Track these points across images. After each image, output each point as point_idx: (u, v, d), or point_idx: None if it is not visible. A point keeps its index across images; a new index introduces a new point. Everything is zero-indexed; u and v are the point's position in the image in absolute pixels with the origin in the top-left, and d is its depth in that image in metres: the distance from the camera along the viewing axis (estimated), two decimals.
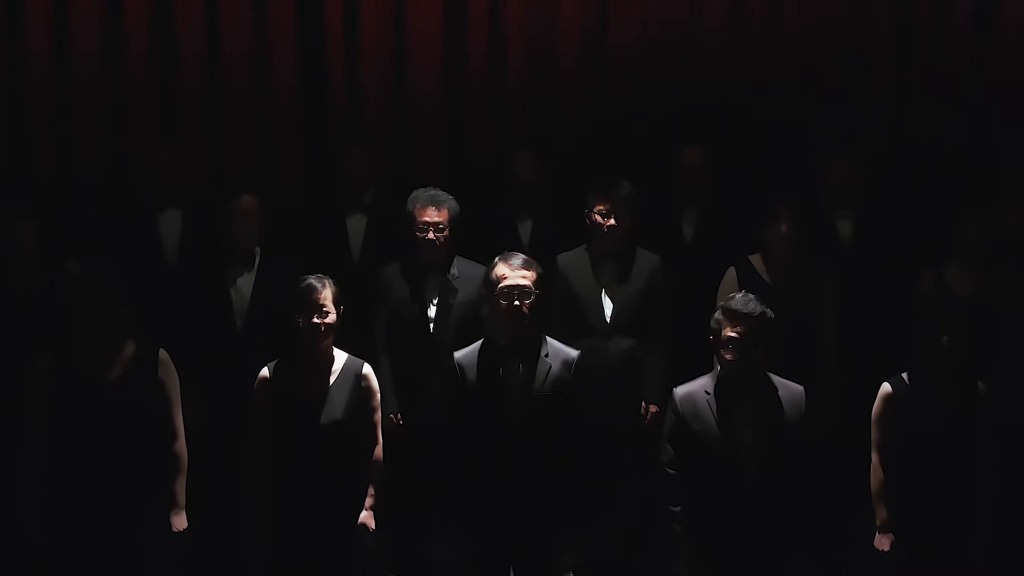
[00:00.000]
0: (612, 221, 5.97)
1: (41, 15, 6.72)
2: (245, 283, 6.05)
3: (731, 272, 5.94)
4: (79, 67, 6.77)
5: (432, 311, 5.99)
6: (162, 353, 4.99)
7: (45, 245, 5.83)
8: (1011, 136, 6.80)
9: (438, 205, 5.94)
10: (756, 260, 5.99)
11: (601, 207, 5.98)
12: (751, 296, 4.95)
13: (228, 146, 6.88)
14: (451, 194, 6.03)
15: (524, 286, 4.95)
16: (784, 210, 5.90)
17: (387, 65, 6.97)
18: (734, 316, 4.80)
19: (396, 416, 5.92)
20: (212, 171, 6.67)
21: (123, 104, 6.83)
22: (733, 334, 4.79)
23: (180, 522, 4.97)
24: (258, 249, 6.10)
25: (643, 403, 5.95)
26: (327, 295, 4.98)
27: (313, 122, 6.98)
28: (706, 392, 4.88)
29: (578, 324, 5.97)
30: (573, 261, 6.10)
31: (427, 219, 5.92)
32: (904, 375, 5.08)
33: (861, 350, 5.77)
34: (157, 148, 6.40)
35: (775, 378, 4.91)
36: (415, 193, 6.01)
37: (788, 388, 4.90)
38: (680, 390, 4.95)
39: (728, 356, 4.82)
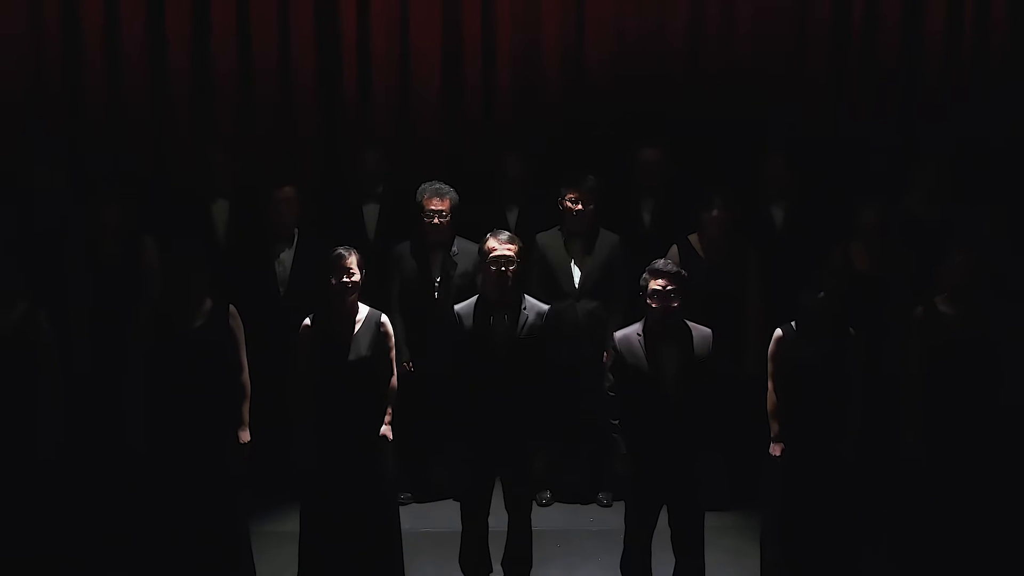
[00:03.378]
0: (580, 207, 6.53)
1: (95, 44, 7.39)
2: (287, 257, 6.64)
3: (673, 249, 6.50)
4: (132, 84, 7.41)
5: (437, 281, 6.59)
6: (231, 307, 5.67)
7: (131, 225, 6.42)
8: (926, 138, 7.42)
9: (441, 196, 6.50)
10: (694, 239, 6.56)
11: (571, 195, 6.55)
12: (670, 260, 5.59)
13: (255, 146, 7.39)
14: (451, 186, 6.56)
15: (509, 256, 5.56)
16: (717, 198, 6.46)
17: (393, 75, 7.49)
18: (656, 272, 5.42)
19: (408, 364, 6.49)
20: (250, 168, 7.14)
21: (170, 113, 7.46)
22: (656, 286, 5.39)
23: (244, 436, 5.66)
24: (296, 229, 6.67)
25: (604, 353, 6.41)
26: (353, 260, 5.56)
27: (330, 124, 7.50)
28: (638, 334, 5.47)
29: (552, 289, 6.53)
30: (549, 239, 6.66)
31: (433, 207, 6.48)
32: (792, 323, 5.67)
33: (779, 312, 5.97)
34: (210, 151, 6.96)
35: (690, 323, 5.49)
36: (423, 186, 6.55)
37: (700, 330, 5.49)
38: (618, 333, 5.57)
39: (653, 304, 5.41)
